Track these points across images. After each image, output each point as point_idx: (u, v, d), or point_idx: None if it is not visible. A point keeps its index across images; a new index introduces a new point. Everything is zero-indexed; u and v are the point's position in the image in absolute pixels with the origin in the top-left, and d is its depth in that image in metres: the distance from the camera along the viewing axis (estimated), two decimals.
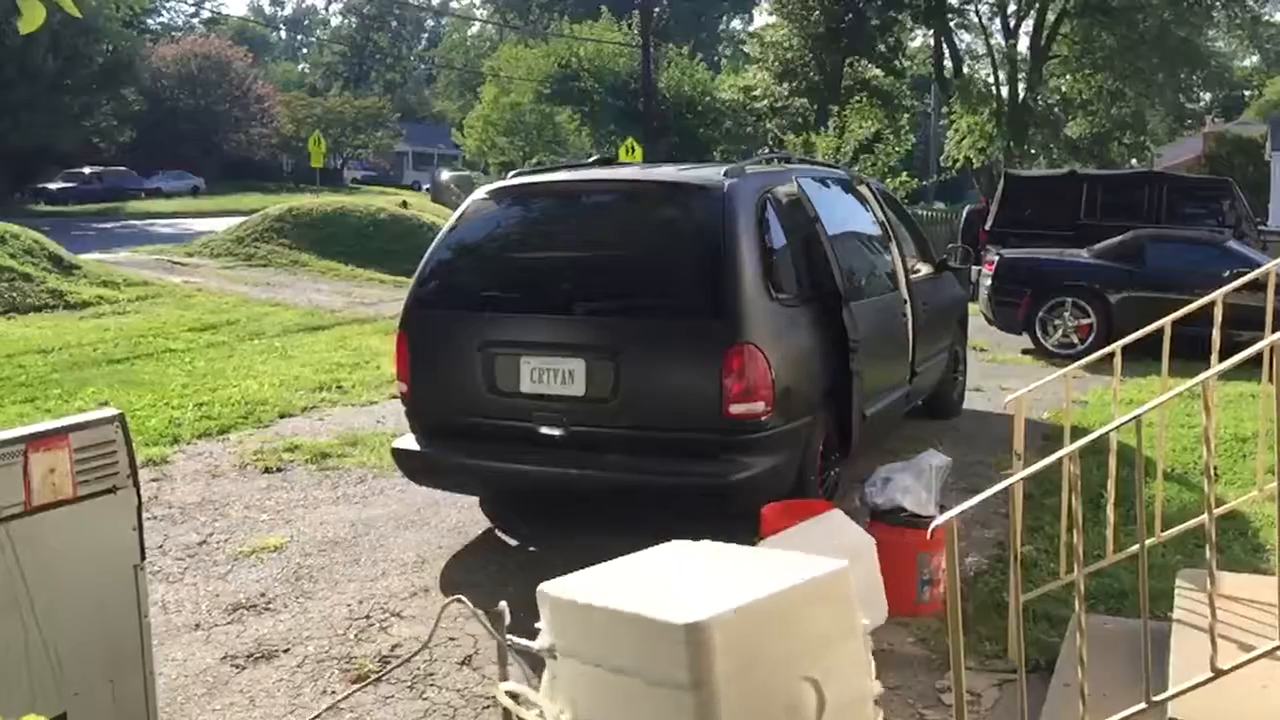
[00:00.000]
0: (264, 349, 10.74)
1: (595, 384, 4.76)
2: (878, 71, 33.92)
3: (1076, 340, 10.96)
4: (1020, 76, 31.96)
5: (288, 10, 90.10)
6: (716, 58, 59.66)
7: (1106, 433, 2.88)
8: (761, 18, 49.73)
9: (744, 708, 2.11)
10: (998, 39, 33.52)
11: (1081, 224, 14.34)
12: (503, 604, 2.52)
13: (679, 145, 31.45)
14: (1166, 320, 3.83)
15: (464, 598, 2.62)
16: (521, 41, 45.46)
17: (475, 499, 5.67)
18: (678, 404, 4.68)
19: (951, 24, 33.57)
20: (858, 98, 30.14)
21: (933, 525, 2.73)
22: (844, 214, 6.18)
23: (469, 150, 43.66)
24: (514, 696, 2.48)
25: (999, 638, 3.94)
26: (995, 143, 31.06)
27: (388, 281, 17.13)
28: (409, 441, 5.21)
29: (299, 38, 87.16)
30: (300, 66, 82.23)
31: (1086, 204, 15.01)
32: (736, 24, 68.88)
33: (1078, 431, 3.65)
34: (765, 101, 34.30)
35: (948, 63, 33.67)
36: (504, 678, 2.59)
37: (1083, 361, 4.27)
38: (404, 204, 25.03)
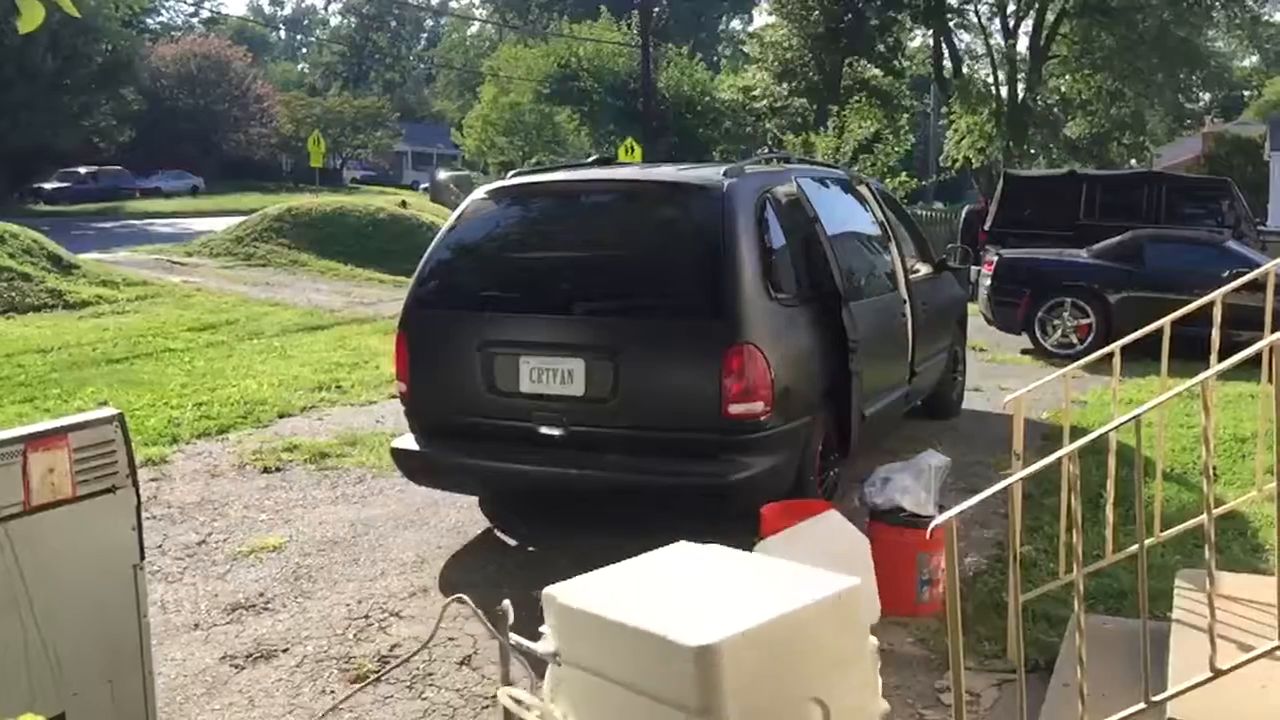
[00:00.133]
0: (263, 349, 10.73)
1: (594, 384, 4.76)
2: (877, 71, 33.94)
3: (1076, 340, 10.96)
4: (1020, 76, 31.98)
5: (287, 10, 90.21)
6: (716, 58, 59.65)
7: (1106, 433, 2.88)
8: (761, 18, 49.86)
9: None
10: (997, 39, 33.61)
11: (1081, 224, 14.34)
12: (506, 603, 2.52)
13: (678, 145, 31.46)
14: (1166, 320, 3.83)
15: (465, 597, 2.61)
16: (521, 41, 45.46)
17: (474, 499, 5.67)
18: (677, 404, 4.68)
19: (951, 24, 33.60)
20: (857, 98, 30.11)
21: (932, 525, 2.73)
22: (843, 214, 6.18)
23: (468, 150, 43.66)
24: (517, 701, 2.48)
25: (998, 638, 3.94)
26: (994, 143, 31.07)
27: (387, 281, 17.13)
28: (408, 441, 5.21)
29: (298, 37, 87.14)
30: (299, 66, 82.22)
31: (1086, 204, 15.01)
32: (736, 24, 68.94)
33: (1077, 431, 3.65)
34: (764, 101, 34.33)
35: (947, 63, 33.69)
36: (506, 678, 2.59)
37: (1082, 361, 4.27)
38: (403, 204, 25.03)
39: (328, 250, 19.33)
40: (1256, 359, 2.88)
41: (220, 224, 23.11)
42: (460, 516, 5.55)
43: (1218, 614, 2.64)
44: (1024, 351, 11.37)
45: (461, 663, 3.90)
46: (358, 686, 3.66)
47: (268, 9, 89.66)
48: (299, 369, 9.52)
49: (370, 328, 12.28)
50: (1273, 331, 2.77)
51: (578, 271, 5.15)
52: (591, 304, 4.92)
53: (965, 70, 34.30)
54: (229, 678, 3.82)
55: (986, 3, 33.26)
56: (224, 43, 52.72)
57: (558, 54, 35.74)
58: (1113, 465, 3.59)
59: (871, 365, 5.40)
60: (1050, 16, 30.91)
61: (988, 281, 11.86)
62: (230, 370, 9.48)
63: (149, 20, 55.18)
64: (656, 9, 42.13)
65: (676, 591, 2.41)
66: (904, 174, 22.62)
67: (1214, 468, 2.83)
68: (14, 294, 13.51)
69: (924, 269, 7.17)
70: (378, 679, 3.73)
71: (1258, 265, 7.78)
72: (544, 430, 4.83)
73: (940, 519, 2.64)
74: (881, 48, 33.80)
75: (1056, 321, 11.20)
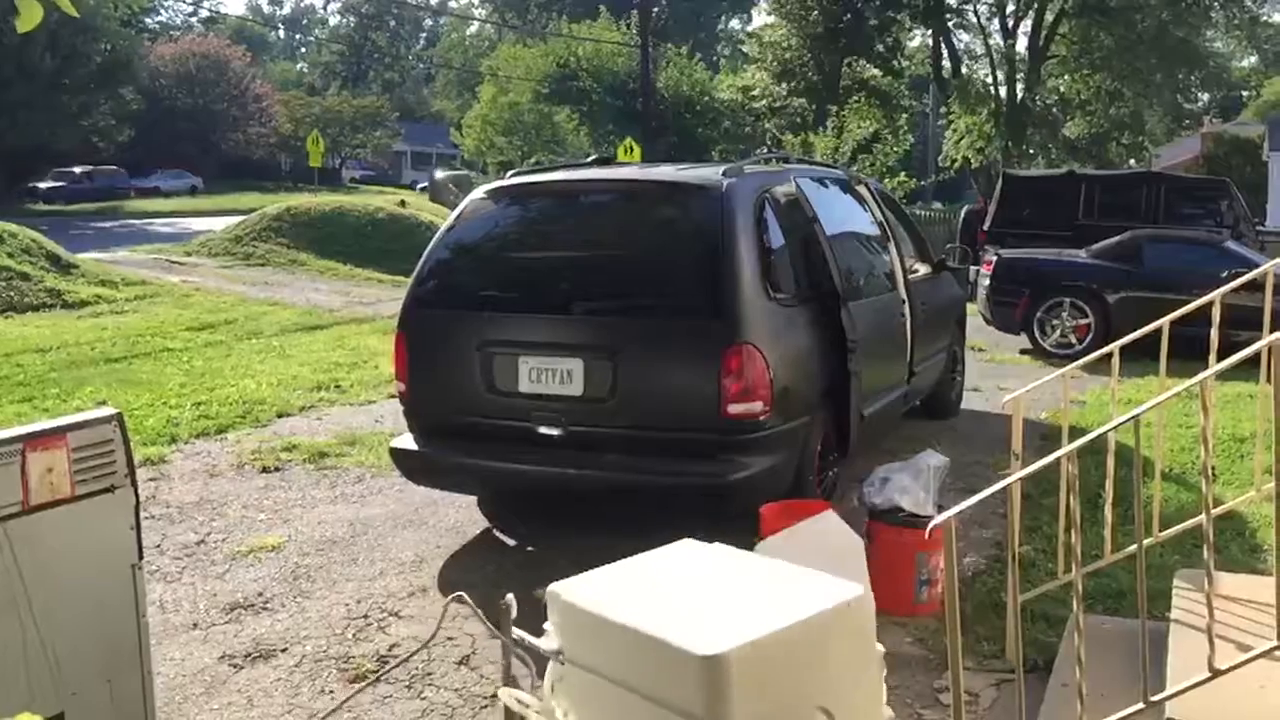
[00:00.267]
0: (262, 348, 10.73)
1: (593, 384, 4.76)
2: (876, 71, 33.94)
3: (1074, 340, 10.96)
4: (1019, 76, 31.98)
5: (286, 9, 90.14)
6: (715, 57, 59.63)
7: (1105, 433, 2.88)
8: (760, 18, 49.87)
9: None
10: (996, 39, 33.61)
11: (1080, 224, 14.35)
12: (510, 597, 2.51)
13: (677, 145, 31.48)
14: (1164, 320, 3.83)
15: (465, 595, 2.61)
16: (520, 41, 45.48)
17: (473, 499, 5.66)
18: (676, 404, 4.68)
19: (950, 24, 33.60)
20: (856, 98, 30.16)
21: (931, 525, 2.73)
22: (842, 214, 6.18)
23: (467, 150, 43.67)
24: (518, 700, 2.47)
25: (997, 638, 3.94)
26: (993, 143, 31.08)
27: (386, 281, 17.13)
28: (407, 441, 5.21)
29: (297, 37, 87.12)
30: (298, 66, 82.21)
31: (1085, 204, 15.02)
32: (735, 24, 68.96)
33: (1076, 431, 3.65)
34: (764, 101, 34.34)
35: (946, 63, 33.70)
36: (507, 675, 2.59)
37: (1081, 361, 4.27)
38: (402, 203, 25.03)
39: (327, 250, 19.33)
40: (1255, 359, 2.88)
41: (219, 224, 23.11)
42: (459, 516, 5.55)
43: (1216, 614, 2.64)
44: (1023, 351, 11.38)
45: (460, 662, 3.90)
46: (358, 688, 3.66)
47: (266, 8, 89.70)
48: (298, 369, 9.51)
49: (369, 327, 12.28)
50: (1271, 331, 2.77)
51: (577, 271, 5.15)
52: (590, 304, 4.91)
53: (964, 70, 34.31)
54: (228, 677, 3.81)
55: (985, 3, 33.30)
56: (223, 42, 52.73)
57: (557, 54, 35.75)
58: (1111, 465, 3.60)
59: (870, 365, 5.40)
60: (1049, 16, 30.92)
61: (986, 281, 11.86)
62: (229, 370, 9.47)
63: (148, 20, 55.24)
64: (656, 9, 42.12)
65: (683, 593, 2.40)
66: (903, 174, 22.65)
67: (1212, 468, 2.83)
68: (13, 293, 13.50)
69: (923, 269, 7.17)
70: (377, 679, 3.73)
71: (1256, 265, 7.78)
72: (543, 430, 4.83)
73: (939, 519, 2.64)
74: (880, 48, 33.80)
75: (1055, 321, 11.20)
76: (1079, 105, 32.37)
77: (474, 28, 74.91)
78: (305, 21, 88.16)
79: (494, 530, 5.43)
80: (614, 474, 4.74)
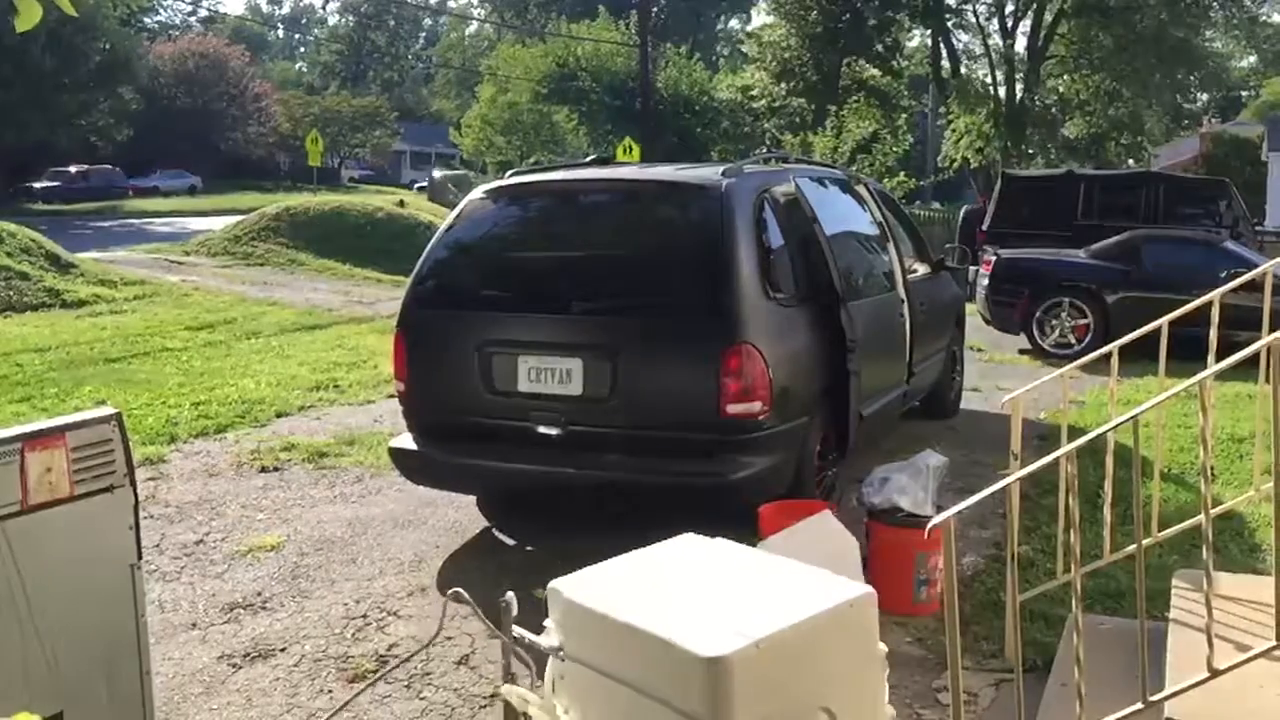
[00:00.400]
0: (261, 348, 10.73)
1: (593, 383, 4.76)
2: (875, 71, 33.96)
3: (1074, 340, 10.97)
4: (1018, 77, 31.96)
5: (285, 9, 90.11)
6: (714, 57, 59.61)
7: (1104, 433, 2.88)
8: (759, 17, 49.92)
9: None
10: (995, 39, 33.57)
11: (1079, 224, 14.34)
12: (510, 594, 2.51)
13: (677, 145, 31.48)
14: (1163, 320, 3.83)
15: (463, 591, 2.60)
16: (519, 41, 45.46)
17: (472, 498, 5.66)
18: (675, 403, 4.68)
19: (949, 24, 33.57)
20: (855, 98, 30.14)
21: (930, 525, 2.72)
22: (842, 214, 6.18)
23: (466, 149, 43.66)
24: (518, 696, 2.47)
25: (996, 637, 3.95)
26: (992, 143, 31.06)
27: (385, 280, 17.12)
28: (406, 441, 5.21)
29: (296, 36, 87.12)
30: (298, 65, 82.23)
31: (1084, 204, 15.02)
32: (734, 24, 68.87)
33: (1075, 431, 3.66)
34: (763, 101, 34.35)
35: (945, 63, 33.68)
36: (508, 672, 2.58)
37: (1080, 361, 4.27)
38: (401, 203, 25.04)
39: (326, 249, 19.32)
40: (1254, 359, 2.88)
41: (218, 223, 23.10)
42: (458, 516, 5.55)
43: (1215, 614, 2.64)
44: (1022, 351, 11.38)
45: (459, 662, 3.90)
46: (358, 690, 3.66)
47: (266, 8, 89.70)
48: (297, 368, 9.51)
49: (368, 327, 12.28)
50: (1270, 331, 2.77)
51: (576, 271, 5.15)
52: (590, 303, 4.91)
53: (963, 70, 34.29)
54: (226, 677, 3.81)
55: (985, 3, 33.28)
56: (222, 42, 52.73)
57: (556, 53, 35.75)
58: (1110, 465, 3.60)
59: (869, 365, 5.40)
60: (1048, 16, 30.91)
61: (986, 281, 11.86)
62: (228, 369, 9.47)
63: (147, 19, 55.25)
64: (655, 8, 42.13)
65: (685, 590, 2.39)
66: (902, 174, 22.67)
67: (1211, 468, 2.84)
68: (11, 293, 13.50)
69: (922, 269, 7.17)
70: (377, 679, 3.73)
71: (1255, 265, 7.79)
72: (542, 430, 4.83)
73: (938, 519, 2.64)
74: (880, 47, 33.81)
75: (1054, 321, 11.21)
76: (1078, 105, 32.35)
77: (473, 27, 75.01)
78: (304, 21, 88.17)
79: (493, 530, 5.43)
80: (613, 474, 4.74)
